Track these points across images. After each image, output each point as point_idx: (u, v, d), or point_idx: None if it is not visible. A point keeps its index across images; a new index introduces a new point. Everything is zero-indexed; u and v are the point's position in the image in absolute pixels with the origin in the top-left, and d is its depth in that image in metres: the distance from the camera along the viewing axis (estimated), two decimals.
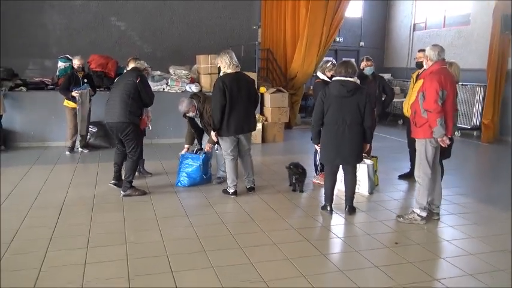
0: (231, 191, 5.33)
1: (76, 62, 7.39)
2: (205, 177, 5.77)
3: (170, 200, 5.21)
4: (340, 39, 13.59)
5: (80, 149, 7.64)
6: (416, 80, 5.92)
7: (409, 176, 6.24)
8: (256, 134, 8.93)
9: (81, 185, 5.66)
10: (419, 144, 4.42)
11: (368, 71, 6.06)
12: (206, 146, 5.54)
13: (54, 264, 3.46)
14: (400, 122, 11.85)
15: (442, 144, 4.30)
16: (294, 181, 5.59)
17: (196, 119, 5.63)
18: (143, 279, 3.26)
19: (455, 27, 11.65)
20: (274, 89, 9.40)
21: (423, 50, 5.93)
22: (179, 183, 5.66)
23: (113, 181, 5.51)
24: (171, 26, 11.82)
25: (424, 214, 4.56)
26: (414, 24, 13.20)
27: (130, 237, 4.03)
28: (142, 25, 11.62)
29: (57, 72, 8.23)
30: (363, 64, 6.10)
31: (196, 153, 5.74)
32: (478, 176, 7.20)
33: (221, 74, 5.18)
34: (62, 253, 3.66)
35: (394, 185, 6.07)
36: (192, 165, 5.65)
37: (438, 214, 4.74)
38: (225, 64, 5.07)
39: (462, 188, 5.99)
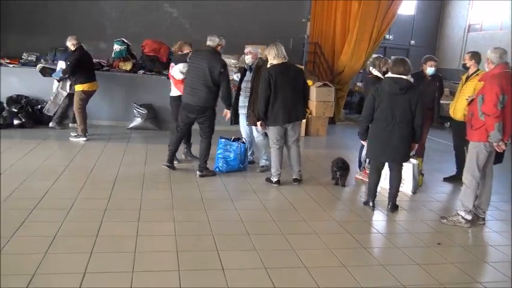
0: (274, 179, 5.43)
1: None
2: (242, 166, 5.89)
3: (215, 183, 5.38)
4: (390, 37, 13.38)
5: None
6: (465, 82, 5.84)
7: (454, 179, 6.14)
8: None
9: (131, 164, 5.92)
10: (472, 147, 4.37)
11: (431, 71, 5.97)
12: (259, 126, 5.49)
13: (109, 234, 3.69)
14: (447, 124, 11.55)
15: (498, 150, 4.23)
16: (337, 176, 5.64)
17: (248, 72, 5.78)
18: (190, 254, 3.43)
19: None
20: (320, 83, 9.40)
21: (471, 53, 5.85)
22: (217, 168, 5.80)
23: (167, 163, 5.61)
24: (221, 15, 11.98)
25: (468, 217, 4.50)
26: (469, 25, 12.81)
27: (178, 215, 4.21)
28: (193, 13, 11.86)
29: (113, 54, 8.57)
30: (430, 63, 5.99)
31: (234, 141, 5.85)
32: None
33: (268, 65, 5.29)
34: (115, 224, 3.90)
35: (438, 187, 6.00)
36: (230, 152, 5.78)
37: (484, 219, 4.67)
38: (273, 56, 5.16)
39: (508, 195, 5.83)
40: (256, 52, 5.79)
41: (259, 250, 3.59)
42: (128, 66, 8.63)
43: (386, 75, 4.59)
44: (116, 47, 8.60)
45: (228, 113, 5.60)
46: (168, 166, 5.62)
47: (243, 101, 5.86)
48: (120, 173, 5.45)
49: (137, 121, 8.15)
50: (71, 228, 3.72)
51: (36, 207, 4.11)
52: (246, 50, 5.83)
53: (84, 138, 6.97)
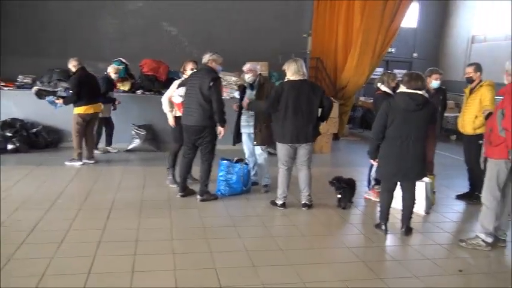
0: (280, 202, 5.15)
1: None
2: (245, 188, 5.62)
3: (217, 208, 5.10)
4: (393, 50, 13.18)
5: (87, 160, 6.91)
6: (470, 95, 5.60)
7: (468, 196, 5.85)
8: None
9: (129, 188, 5.64)
10: (492, 165, 4.07)
11: (436, 84, 5.71)
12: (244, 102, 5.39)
13: (102, 270, 3.39)
14: (453, 137, 11.29)
15: None
16: (337, 196, 5.33)
17: (248, 90, 5.58)
18: None
19: None
20: None
21: (471, 65, 5.66)
22: (219, 192, 5.52)
23: (180, 193, 5.37)
24: (221, 31, 11.85)
25: (489, 240, 4.20)
26: (472, 37, 12.63)
27: (178, 246, 3.92)
28: (193, 30, 11.72)
29: None
30: (435, 76, 5.71)
31: (237, 163, 5.60)
32: None
33: (285, 79, 5.08)
34: (110, 259, 3.60)
35: (451, 205, 5.70)
36: (233, 174, 5.52)
37: (505, 241, 4.36)
38: (292, 72, 4.93)
39: None
40: (255, 69, 5.58)
41: (267, 285, 3.29)
42: (126, 86, 8.43)
43: (400, 91, 4.32)
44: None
45: (221, 131, 5.19)
46: (182, 195, 5.35)
47: (245, 120, 5.63)
48: (117, 199, 5.17)
49: (136, 142, 7.90)
50: (61, 265, 3.42)
51: (24, 242, 3.82)
52: (245, 68, 5.60)
53: (80, 163, 6.70)
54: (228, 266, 3.58)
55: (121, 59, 8.42)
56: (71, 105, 6.73)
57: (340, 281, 3.44)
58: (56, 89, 7.81)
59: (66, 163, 6.69)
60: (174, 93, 5.61)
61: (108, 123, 7.76)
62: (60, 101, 6.93)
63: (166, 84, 8.16)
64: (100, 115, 7.39)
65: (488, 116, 4.36)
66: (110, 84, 7.59)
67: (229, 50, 11.52)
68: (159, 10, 11.55)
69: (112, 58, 8.69)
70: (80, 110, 6.68)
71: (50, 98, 7.21)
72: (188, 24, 11.72)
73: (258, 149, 5.64)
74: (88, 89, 6.74)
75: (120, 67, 8.31)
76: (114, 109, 7.68)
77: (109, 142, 7.83)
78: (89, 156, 6.90)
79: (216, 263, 3.60)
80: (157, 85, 8.44)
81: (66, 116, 7.15)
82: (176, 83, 5.77)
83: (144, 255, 3.68)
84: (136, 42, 11.27)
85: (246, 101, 5.33)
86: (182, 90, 5.42)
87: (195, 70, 5.70)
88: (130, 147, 7.89)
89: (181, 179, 5.41)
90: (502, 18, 11.69)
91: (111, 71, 7.65)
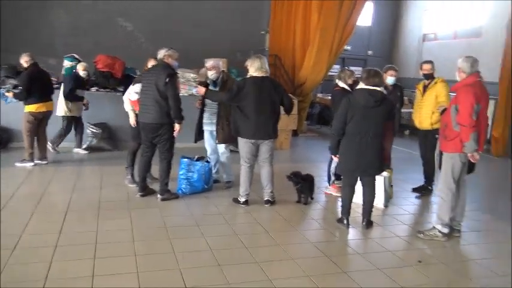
0: (242, 200, 5.12)
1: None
2: (207, 186, 5.56)
3: (178, 207, 5.00)
4: (349, 48, 13.45)
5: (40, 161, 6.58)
6: (424, 91, 5.79)
7: (423, 189, 6.05)
8: None
9: (85, 189, 5.43)
10: (447, 158, 4.22)
11: (391, 80, 5.86)
12: (199, 89, 5.26)
13: (60, 276, 3.23)
14: (407, 132, 11.66)
15: (472, 160, 4.11)
16: (296, 192, 5.37)
17: (211, 87, 5.45)
18: None
19: (466, 39, 11.53)
20: None
21: (429, 62, 5.86)
22: (180, 190, 5.42)
23: (140, 193, 5.24)
24: (178, 28, 11.66)
25: (445, 231, 4.36)
26: (424, 35, 13.08)
27: (140, 248, 3.80)
28: (150, 26, 11.47)
29: (63, 71, 8.00)
30: (390, 73, 5.86)
31: (198, 160, 5.53)
32: (495, 191, 6.99)
33: (247, 76, 5.03)
34: (67, 264, 3.43)
35: (408, 198, 5.88)
36: (194, 173, 5.43)
37: (459, 231, 4.55)
38: (255, 68, 4.90)
39: (477, 203, 5.77)
40: (218, 66, 5.51)
41: (234, 284, 3.25)
42: None
43: (359, 87, 4.37)
44: (66, 63, 8.02)
45: (177, 128, 5.01)
46: (142, 195, 5.22)
47: (208, 118, 5.56)
48: (73, 200, 4.96)
49: (91, 141, 7.62)
50: (14, 273, 3.23)
51: None
52: (208, 65, 5.51)
53: (32, 163, 6.37)
54: (192, 266, 3.51)
55: (74, 54, 8.06)
56: (22, 103, 6.40)
57: (305, 276, 3.46)
58: (4, 86, 7.40)
59: (17, 164, 6.35)
60: (131, 90, 5.44)
61: (78, 123, 7.49)
62: (11, 94, 6.57)
63: (122, 81, 7.95)
64: (68, 114, 7.17)
65: (443, 111, 4.51)
66: (78, 81, 7.30)
67: (187, 47, 11.37)
68: (114, 5, 11.22)
69: (65, 54, 8.32)
70: (32, 108, 6.35)
71: (0, 90, 6.84)
72: (144, 20, 11.47)
73: (221, 148, 5.60)
74: (40, 85, 6.41)
75: (73, 63, 7.98)
76: (86, 109, 7.43)
77: (79, 143, 7.56)
78: (41, 157, 6.59)
79: (180, 264, 3.52)
80: (113, 82, 8.17)
81: (16, 114, 6.79)
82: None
83: (104, 259, 3.54)
84: (90, 38, 10.89)
85: (202, 89, 5.21)
86: (138, 87, 5.26)
87: None
88: (85, 146, 7.57)
89: (140, 179, 5.28)
90: (451, 18, 12.18)
91: (80, 68, 7.35)
